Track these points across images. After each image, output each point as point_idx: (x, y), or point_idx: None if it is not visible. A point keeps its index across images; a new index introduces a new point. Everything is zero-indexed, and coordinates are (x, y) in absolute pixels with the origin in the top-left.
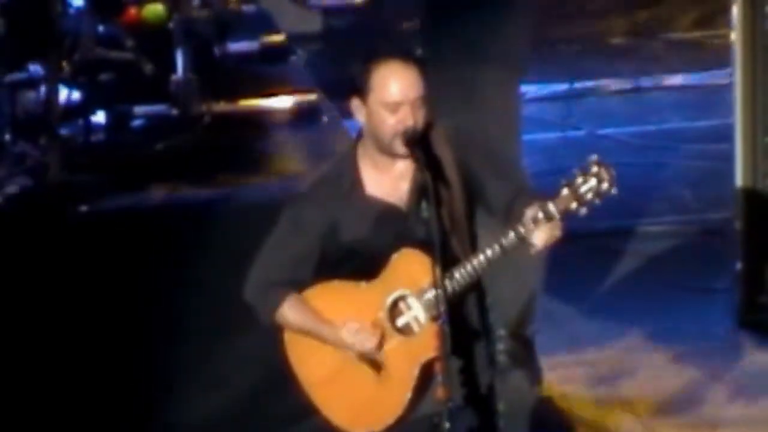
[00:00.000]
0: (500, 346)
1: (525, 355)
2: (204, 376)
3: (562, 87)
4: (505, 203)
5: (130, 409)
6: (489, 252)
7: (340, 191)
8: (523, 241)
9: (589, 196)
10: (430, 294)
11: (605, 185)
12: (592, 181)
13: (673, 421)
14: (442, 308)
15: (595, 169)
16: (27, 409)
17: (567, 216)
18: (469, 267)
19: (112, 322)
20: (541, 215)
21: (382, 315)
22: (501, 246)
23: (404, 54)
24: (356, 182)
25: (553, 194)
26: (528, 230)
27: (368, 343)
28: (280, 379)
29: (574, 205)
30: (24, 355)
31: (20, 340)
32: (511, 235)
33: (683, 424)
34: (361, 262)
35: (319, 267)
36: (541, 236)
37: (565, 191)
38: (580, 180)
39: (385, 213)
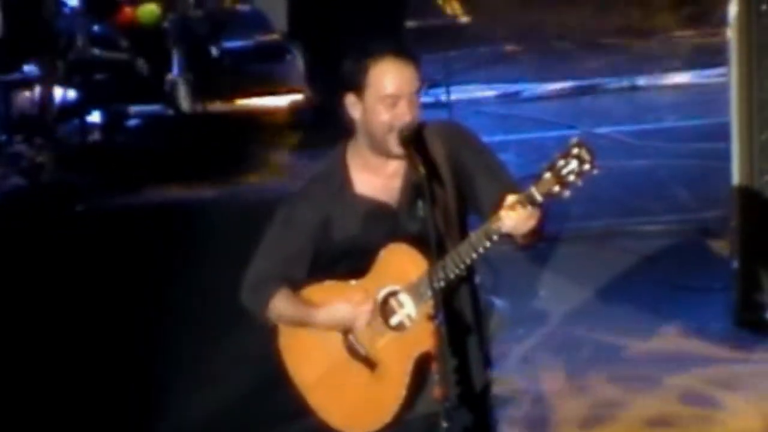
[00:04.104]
0: None
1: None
2: (201, 374)
3: (558, 86)
4: (495, 202)
5: (125, 408)
6: (473, 238)
7: (331, 190)
8: (497, 225)
9: (571, 177)
10: (422, 287)
11: (586, 166)
12: (573, 163)
13: (670, 419)
14: (438, 307)
15: (575, 150)
16: (22, 409)
17: (552, 209)
18: (456, 256)
19: (108, 321)
20: (513, 198)
21: (374, 310)
22: (484, 232)
23: (400, 49)
24: (345, 181)
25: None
26: (500, 214)
27: (363, 318)
28: (277, 377)
29: (556, 188)
30: (19, 353)
31: (15, 340)
32: (489, 219)
33: (680, 421)
34: (354, 261)
35: (313, 266)
36: (511, 217)
37: (547, 175)
38: (561, 162)
39: (376, 211)
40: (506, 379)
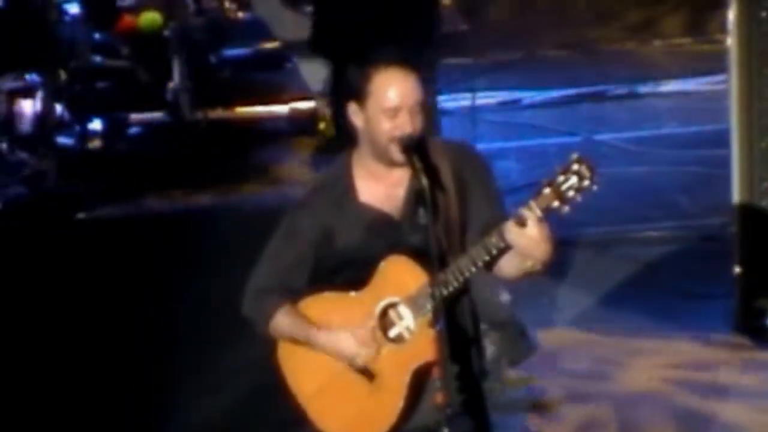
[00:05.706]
0: (485, 341)
1: (509, 339)
2: (200, 382)
3: (558, 93)
4: (485, 223)
5: (126, 416)
6: (473, 251)
7: (334, 198)
8: (497, 239)
9: (570, 193)
10: (421, 300)
11: (586, 182)
12: (573, 179)
13: (671, 425)
14: (439, 315)
15: (575, 166)
16: (21, 416)
17: (553, 216)
18: (455, 269)
19: (108, 329)
20: (517, 217)
21: (372, 323)
22: (484, 246)
23: (403, 59)
24: (350, 189)
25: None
26: (500, 227)
27: (364, 356)
28: (276, 386)
29: (555, 203)
30: (20, 361)
31: (16, 346)
32: (491, 233)
33: (681, 427)
34: (355, 271)
35: (314, 275)
36: (513, 231)
37: (546, 190)
38: (561, 178)
39: (378, 221)
40: (506, 386)
